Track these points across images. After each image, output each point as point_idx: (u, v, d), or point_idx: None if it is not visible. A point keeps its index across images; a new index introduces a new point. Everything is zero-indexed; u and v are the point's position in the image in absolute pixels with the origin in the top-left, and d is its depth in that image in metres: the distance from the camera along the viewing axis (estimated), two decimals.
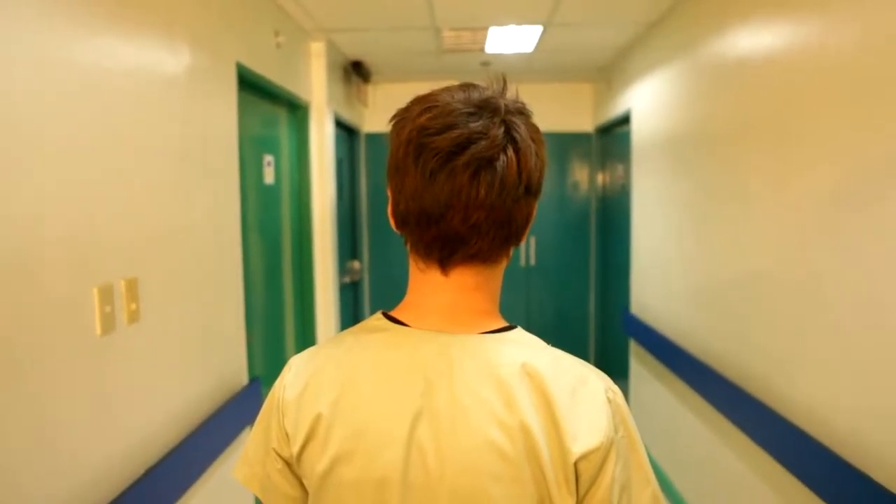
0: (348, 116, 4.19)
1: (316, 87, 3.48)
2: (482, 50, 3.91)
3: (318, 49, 3.48)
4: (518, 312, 5.19)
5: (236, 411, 2.19)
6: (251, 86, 2.63)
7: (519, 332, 0.79)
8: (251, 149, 2.73)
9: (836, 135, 1.77)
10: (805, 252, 1.93)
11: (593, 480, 0.72)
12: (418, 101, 0.77)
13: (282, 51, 2.92)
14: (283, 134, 3.25)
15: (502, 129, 0.73)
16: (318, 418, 0.74)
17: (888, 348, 1.55)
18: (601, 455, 0.71)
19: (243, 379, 2.40)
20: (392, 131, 0.79)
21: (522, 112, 0.77)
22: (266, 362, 2.86)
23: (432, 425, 0.71)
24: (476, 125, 0.72)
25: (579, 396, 0.73)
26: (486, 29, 3.47)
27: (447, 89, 0.77)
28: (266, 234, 3.00)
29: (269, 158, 2.98)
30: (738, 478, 2.42)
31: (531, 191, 0.76)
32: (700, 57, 2.79)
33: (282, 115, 3.22)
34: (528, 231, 0.80)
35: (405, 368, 0.74)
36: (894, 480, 1.51)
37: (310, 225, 3.41)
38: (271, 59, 2.80)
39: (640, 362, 3.81)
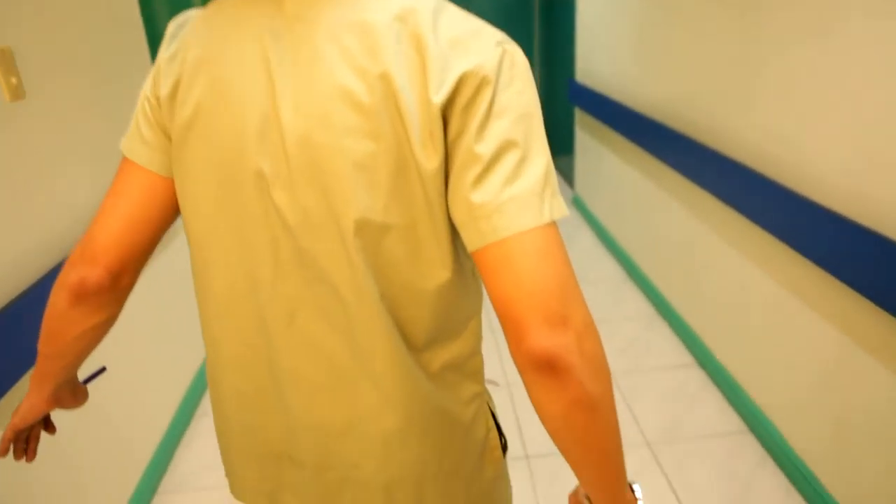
0: None
1: None
2: None
3: None
4: None
5: None
6: None
7: None
8: None
9: None
10: None
11: (461, 129, 0.62)
12: None
13: None
14: None
15: None
16: (183, 69, 0.72)
17: (826, 83, 1.49)
18: (468, 92, 0.62)
19: None
20: None
21: None
22: None
23: (291, 74, 0.66)
24: None
25: (462, 46, 0.63)
26: None
27: None
28: None
29: None
30: (681, 223, 2.50)
31: None
32: None
33: None
34: None
35: (271, 19, 0.68)
36: (839, 203, 1.54)
37: None
38: None
39: (585, 130, 3.78)
